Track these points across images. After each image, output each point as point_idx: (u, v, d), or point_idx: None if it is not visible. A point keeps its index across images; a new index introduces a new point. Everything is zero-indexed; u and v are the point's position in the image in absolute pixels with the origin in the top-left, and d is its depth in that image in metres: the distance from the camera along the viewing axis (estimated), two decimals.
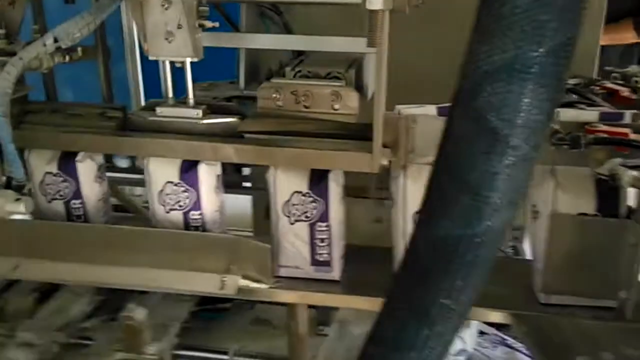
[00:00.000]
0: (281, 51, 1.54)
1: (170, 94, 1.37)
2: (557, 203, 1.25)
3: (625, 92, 1.45)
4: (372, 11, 1.08)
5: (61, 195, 1.48)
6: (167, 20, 1.27)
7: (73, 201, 1.49)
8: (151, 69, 1.42)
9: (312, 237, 1.39)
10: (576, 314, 1.28)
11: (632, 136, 1.18)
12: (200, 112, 1.35)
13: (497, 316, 1.34)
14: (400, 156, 1.29)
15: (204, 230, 1.45)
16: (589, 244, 1.24)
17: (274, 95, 1.34)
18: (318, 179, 1.35)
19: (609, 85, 1.49)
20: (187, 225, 1.44)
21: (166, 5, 1.26)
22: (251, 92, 1.53)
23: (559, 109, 1.29)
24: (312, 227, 1.38)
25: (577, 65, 1.90)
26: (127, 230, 1.46)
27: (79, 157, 1.44)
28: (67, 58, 1.35)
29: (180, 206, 1.43)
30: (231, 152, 1.32)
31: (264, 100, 1.35)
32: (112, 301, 1.61)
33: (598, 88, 1.48)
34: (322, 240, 1.39)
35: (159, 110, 1.37)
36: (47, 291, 1.60)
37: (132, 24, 1.28)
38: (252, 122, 1.34)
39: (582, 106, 1.37)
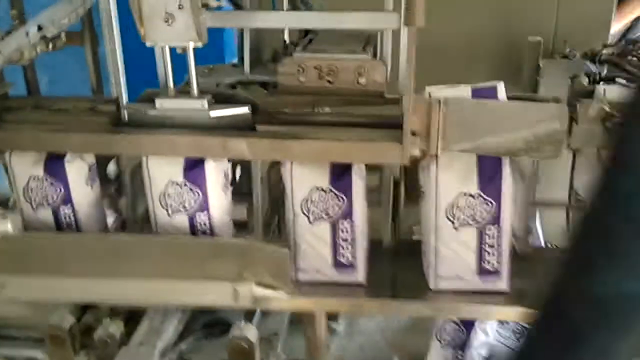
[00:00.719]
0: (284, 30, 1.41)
1: (171, 84, 1.22)
2: None
3: None
4: None
5: (48, 202, 1.32)
6: (165, 0, 1.12)
7: (62, 207, 1.33)
8: (132, 51, 1.26)
9: (334, 237, 1.26)
10: None
11: None
12: (205, 103, 1.20)
13: None
14: (431, 144, 1.16)
15: (212, 234, 1.31)
16: None
17: (297, 70, 1.20)
18: (340, 173, 1.22)
19: None
20: (192, 229, 1.30)
21: None
22: (257, 76, 1.39)
23: (603, 86, 1.18)
24: (334, 226, 1.25)
25: (592, 34, 1.81)
26: (126, 239, 1.31)
27: (67, 158, 1.29)
28: (50, 46, 1.19)
29: (184, 208, 1.28)
30: (244, 147, 1.17)
31: (286, 76, 1.22)
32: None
33: (635, 58, 1.37)
34: (345, 240, 1.26)
35: (158, 102, 1.21)
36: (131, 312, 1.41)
37: None
38: (275, 101, 1.20)
39: (622, 81, 1.26)
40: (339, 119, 1.22)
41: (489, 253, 1.22)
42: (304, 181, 1.23)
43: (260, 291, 1.27)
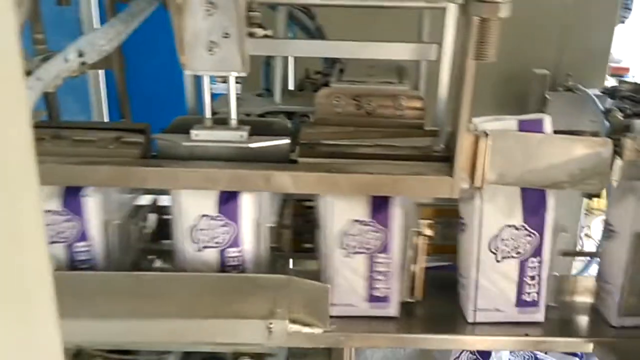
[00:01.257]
0: (311, 59, 1.38)
1: (209, 113, 1.16)
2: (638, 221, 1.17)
3: None
4: (485, 20, 0.94)
5: (63, 238, 1.23)
6: (210, 28, 1.07)
7: (76, 244, 1.24)
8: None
9: (371, 271, 1.24)
10: None
11: None
12: (245, 134, 1.15)
13: (576, 345, 1.25)
14: (476, 177, 1.16)
15: (243, 269, 1.25)
16: None
17: (335, 101, 1.17)
18: (380, 205, 1.20)
19: None
20: (223, 265, 1.24)
21: (210, 10, 1.05)
22: (288, 106, 1.35)
23: (634, 121, 1.22)
24: (371, 259, 1.23)
25: (593, 67, 1.88)
26: (150, 277, 1.23)
27: (86, 191, 1.20)
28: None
29: (216, 243, 1.22)
30: (287, 180, 1.13)
31: (323, 106, 1.18)
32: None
33: None
34: (381, 272, 1.24)
35: (194, 133, 1.15)
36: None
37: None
38: (313, 132, 1.16)
39: None
40: (379, 151, 1.19)
41: (529, 285, 1.23)
42: (343, 214, 1.20)
43: (294, 328, 1.23)
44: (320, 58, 1.39)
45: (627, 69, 2.05)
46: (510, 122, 1.17)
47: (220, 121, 1.19)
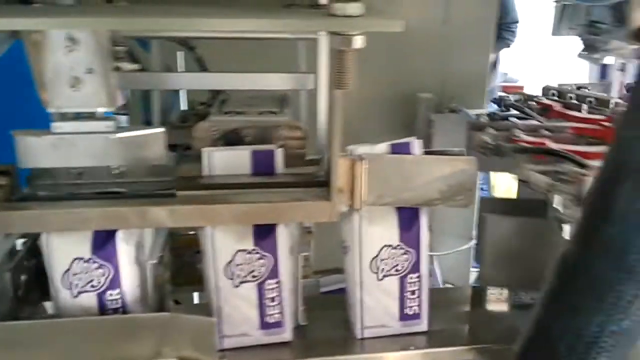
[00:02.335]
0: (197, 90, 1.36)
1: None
2: None
3: (557, 107, 1.54)
4: (341, 52, 0.97)
5: None
6: (72, 65, 1.03)
7: None
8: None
9: (261, 298, 1.23)
10: None
11: (552, 145, 1.25)
12: (112, 125, 1.10)
13: (461, 353, 1.30)
14: (355, 199, 1.19)
15: (125, 311, 1.20)
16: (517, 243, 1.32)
17: (214, 134, 1.16)
18: (264, 233, 1.20)
19: (545, 101, 1.57)
20: (102, 309, 1.19)
21: (71, 46, 1.01)
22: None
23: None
24: (260, 286, 1.22)
25: (471, 91, 2.01)
26: (24, 326, 1.15)
27: None
28: None
29: (92, 287, 1.17)
30: (164, 215, 1.10)
31: (202, 141, 1.16)
32: None
33: (535, 104, 1.57)
34: (273, 299, 1.24)
35: (56, 125, 1.08)
36: None
37: None
38: (191, 168, 1.14)
39: (514, 120, 1.44)
40: (259, 180, 1.19)
41: (410, 299, 1.27)
42: (227, 244, 1.19)
43: None
44: (207, 89, 1.38)
45: (521, 87, 2.23)
46: (382, 146, 1.21)
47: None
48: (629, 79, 2.25)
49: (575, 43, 2.15)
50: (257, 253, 1.19)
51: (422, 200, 1.21)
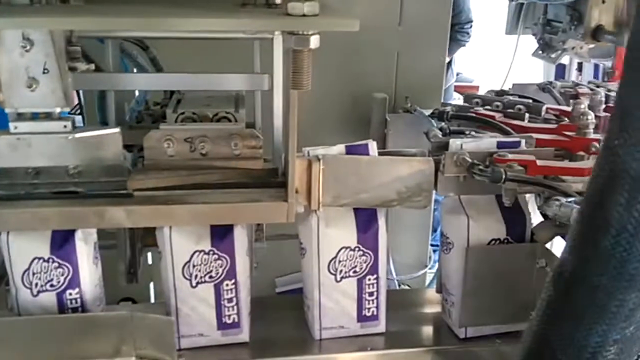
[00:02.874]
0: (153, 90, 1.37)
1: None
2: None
3: (498, 117, 1.52)
4: (297, 52, 0.98)
5: None
6: (28, 64, 1.04)
7: None
8: None
9: (219, 298, 1.24)
10: (495, 342, 1.30)
11: (539, 162, 1.22)
12: (69, 125, 1.10)
13: (419, 355, 1.31)
14: (312, 200, 1.20)
15: (84, 310, 1.21)
16: (502, 270, 1.27)
17: (165, 144, 1.16)
18: (221, 233, 1.21)
19: (483, 111, 1.55)
20: (61, 308, 1.19)
21: (27, 47, 1.03)
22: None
23: (459, 140, 1.31)
24: (218, 287, 1.23)
25: (428, 90, 2.01)
26: None
27: None
28: None
29: (52, 286, 1.17)
30: (121, 215, 1.11)
31: (153, 150, 1.17)
32: None
33: (473, 114, 1.54)
34: (230, 300, 1.25)
35: (14, 125, 1.08)
36: None
37: None
38: (143, 179, 1.14)
39: (471, 132, 1.41)
40: (217, 180, 1.20)
41: (368, 301, 1.28)
42: (184, 245, 1.20)
43: None
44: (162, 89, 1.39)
45: (476, 87, 2.19)
46: (339, 148, 1.22)
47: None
48: (587, 79, 2.26)
49: (531, 42, 2.15)
50: (215, 254, 1.20)
51: (379, 201, 1.22)
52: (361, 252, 1.24)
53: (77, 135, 1.10)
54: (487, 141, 1.27)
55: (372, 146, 1.23)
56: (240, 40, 1.25)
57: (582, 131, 1.38)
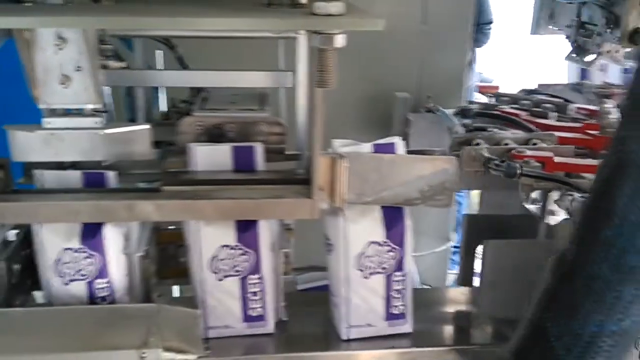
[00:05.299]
0: (179, 88, 1.40)
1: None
2: None
3: (524, 115, 1.52)
4: (322, 50, 0.99)
5: None
6: (62, 62, 1.07)
7: None
8: None
9: (244, 292, 1.26)
10: None
11: (556, 159, 1.22)
12: (100, 121, 1.14)
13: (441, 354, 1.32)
14: (336, 198, 1.22)
15: (113, 300, 1.25)
16: (519, 265, 1.27)
17: (198, 129, 1.19)
18: (246, 229, 1.23)
19: (508, 109, 1.55)
20: (92, 297, 1.23)
21: (61, 45, 1.06)
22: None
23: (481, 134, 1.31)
24: (243, 281, 1.25)
25: (448, 91, 2.01)
26: (15, 313, 1.20)
27: None
28: None
29: (82, 275, 1.21)
30: (151, 209, 1.14)
31: (186, 135, 1.20)
32: None
33: (498, 112, 1.54)
34: (255, 293, 1.27)
35: (47, 121, 1.12)
36: None
37: None
38: (176, 161, 1.18)
39: (493, 129, 1.41)
40: (242, 177, 1.22)
41: (396, 298, 1.29)
42: (211, 239, 1.22)
43: (168, 356, 1.23)
44: (187, 87, 1.41)
45: (496, 87, 2.18)
46: (366, 146, 1.23)
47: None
48: (610, 79, 2.22)
49: (558, 43, 2.12)
50: (240, 249, 1.23)
51: (402, 199, 1.23)
52: (389, 248, 1.25)
53: (108, 131, 1.13)
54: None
55: (400, 144, 1.24)
56: (264, 39, 1.27)
57: (605, 130, 1.38)
